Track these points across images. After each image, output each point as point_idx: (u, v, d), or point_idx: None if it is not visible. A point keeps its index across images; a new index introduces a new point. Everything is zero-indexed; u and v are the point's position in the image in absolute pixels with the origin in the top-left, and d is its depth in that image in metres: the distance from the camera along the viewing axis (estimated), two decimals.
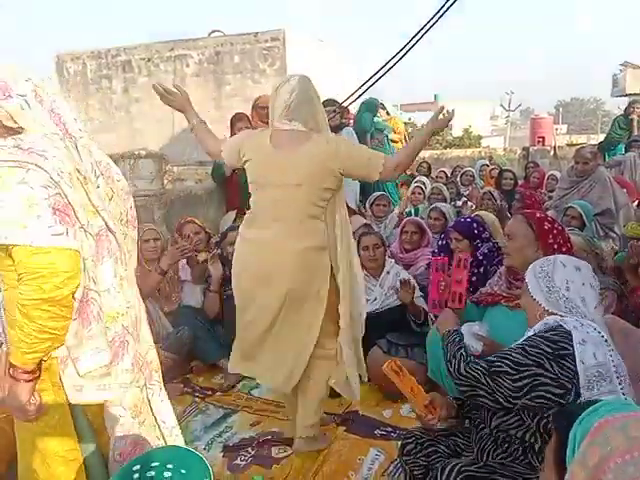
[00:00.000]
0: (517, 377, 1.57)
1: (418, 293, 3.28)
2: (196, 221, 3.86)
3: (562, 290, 1.69)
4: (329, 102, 5.22)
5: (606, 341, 1.61)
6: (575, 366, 1.54)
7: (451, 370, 1.73)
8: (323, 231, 2.26)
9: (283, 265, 2.21)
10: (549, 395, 1.55)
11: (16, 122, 1.38)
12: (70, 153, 1.43)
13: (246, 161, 2.30)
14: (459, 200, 5.80)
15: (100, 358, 1.46)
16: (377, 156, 2.31)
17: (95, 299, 1.45)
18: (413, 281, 3.27)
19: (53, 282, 1.29)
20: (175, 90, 2.46)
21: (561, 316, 1.66)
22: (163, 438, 1.65)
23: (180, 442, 1.74)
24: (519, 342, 1.67)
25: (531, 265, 1.82)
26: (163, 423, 1.66)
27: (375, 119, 6.62)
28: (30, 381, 1.39)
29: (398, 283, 3.16)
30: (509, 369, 1.59)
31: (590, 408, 1.05)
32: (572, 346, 1.56)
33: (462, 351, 1.75)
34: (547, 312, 1.72)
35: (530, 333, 1.70)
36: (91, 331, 1.43)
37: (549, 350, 1.57)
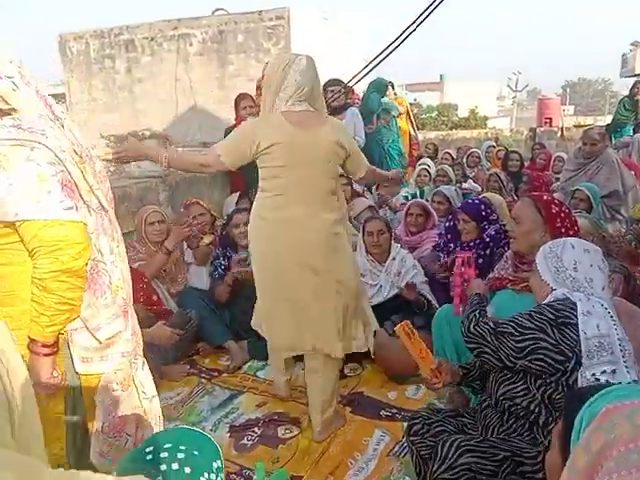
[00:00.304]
0: (520, 339, 1.66)
1: (422, 279, 3.28)
2: (201, 203, 3.85)
3: (570, 270, 1.74)
4: (334, 82, 5.18)
5: (612, 316, 1.64)
6: (578, 335, 1.60)
7: (463, 329, 1.83)
8: (341, 204, 2.47)
9: (319, 240, 2.33)
10: (549, 360, 1.63)
11: (8, 103, 1.38)
12: (63, 133, 1.46)
13: (268, 147, 2.24)
14: (465, 182, 5.76)
15: (117, 324, 1.53)
16: (363, 157, 2.54)
17: (105, 270, 1.51)
18: (416, 271, 3.28)
19: (69, 253, 1.34)
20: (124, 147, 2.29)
21: (569, 290, 1.71)
22: (143, 409, 1.68)
23: (158, 411, 1.77)
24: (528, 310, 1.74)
25: (542, 247, 1.86)
26: (144, 394, 1.69)
27: (383, 99, 6.56)
28: (50, 355, 1.42)
29: (398, 280, 3.20)
30: (513, 330, 1.68)
31: (601, 391, 1.05)
32: (576, 316, 1.62)
33: (476, 312, 1.85)
34: (554, 291, 1.75)
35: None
36: (106, 299, 1.50)
37: (552, 317, 1.64)
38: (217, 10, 9.12)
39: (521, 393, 1.72)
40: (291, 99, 2.24)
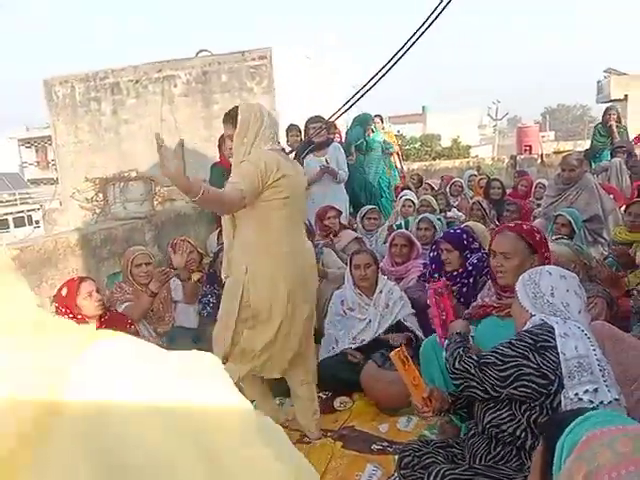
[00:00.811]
0: (503, 367, 1.69)
1: (409, 310, 3.30)
2: (189, 240, 3.88)
3: (547, 296, 1.79)
4: (316, 118, 5.29)
5: (589, 338, 1.68)
6: (558, 357, 1.63)
7: (448, 366, 1.86)
8: None
9: (315, 269, 2.67)
10: (533, 385, 1.66)
11: None
12: None
13: (277, 179, 2.31)
14: (449, 211, 5.85)
15: None
16: None
17: None
18: (403, 302, 3.33)
19: None
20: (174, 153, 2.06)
21: (546, 315, 1.76)
22: None
23: None
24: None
25: (521, 276, 1.92)
26: None
27: (379, 137, 6.80)
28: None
29: (391, 317, 3.27)
30: (496, 360, 1.72)
31: (579, 418, 1.05)
32: (554, 339, 1.66)
33: (460, 350, 1.87)
34: (532, 317, 1.80)
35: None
36: None
37: (532, 342, 1.68)
38: (201, 51, 9.30)
39: (507, 419, 1.74)
40: (271, 140, 2.39)
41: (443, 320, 2.25)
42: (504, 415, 1.75)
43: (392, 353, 1.94)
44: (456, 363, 1.82)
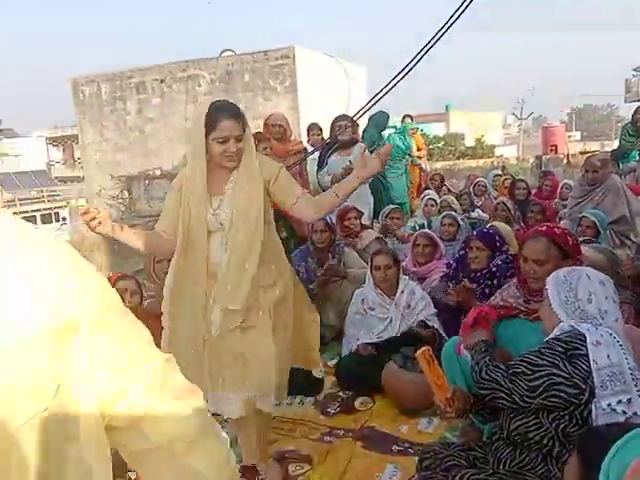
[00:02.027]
0: (533, 377, 1.64)
1: (432, 310, 3.28)
2: None
3: (583, 301, 1.72)
4: (342, 117, 5.28)
5: (621, 346, 1.63)
6: (589, 366, 1.58)
7: (474, 375, 1.81)
8: None
9: None
10: (563, 395, 1.61)
11: None
12: None
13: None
14: (473, 211, 5.80)
15: None
16: None
17: None
18: (425, 302, 3.30)
19: None
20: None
21: (577, 322, 1.70)
22: None
23: None
24: (536, 348, 1.73)
25: (553, 273, 1.85)
26: None
27: (399, 137, 6.75)
28: None
29: (413, 317, 3.24)
30: (525, 369, 1.67)
31: (622, 440, 1.01)
32: (585, 347, 1.61)
33: (486, 358, 1.83)
34: (561, 323, 1.75)
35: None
36: None
37: (562, 350, 1.64)
38: (224, 51, 9.39)
39: (533, 428, 1.70)
40: None
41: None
42: (531, 423, 1.71)
43: (418, 352, 1.91)
44: (483, 372, 1.77)
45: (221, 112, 2.04)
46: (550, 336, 1.75)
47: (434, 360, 1.91)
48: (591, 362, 1.59)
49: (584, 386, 1.59)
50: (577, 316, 1.71)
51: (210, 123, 2.02)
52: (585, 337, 1.63)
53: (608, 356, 1.59)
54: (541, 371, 1.64)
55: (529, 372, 1.65)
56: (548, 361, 1.64)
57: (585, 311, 1.71)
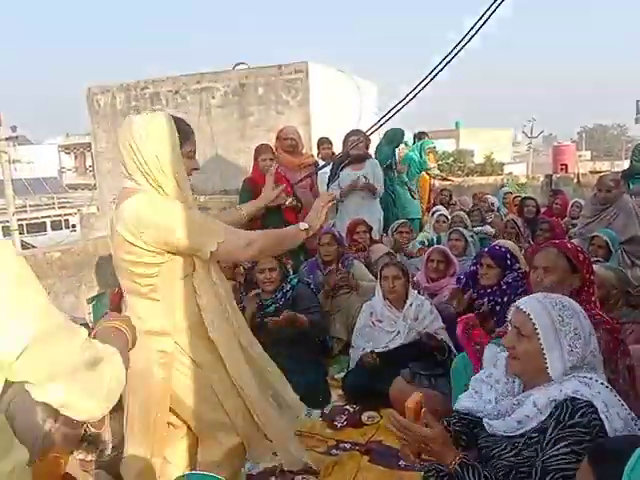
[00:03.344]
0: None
1: (440, 324, 3.28)
2: None
3: (584, 346, 1.55)
4: (355, 132, 5.33)
5: (611, 390, 1.53)
6: (606, 434, 1.45)
7: None
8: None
9: None
10: None
11: None
12: None
13: None
14: (481, 227, 5.81)
15: None
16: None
17: None
18: (433, 316, 3.31)
19: None
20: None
21: (560, 381, 1.54)
22: None
23: None
24: (555, 440, 1.48)
25: (539, 309, 1.60)
26: None
27: (413, 154, 6.77)
28: None
29: (420, 328, 3.22)
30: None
31: (637, 454, 1.01)
32: (600, 419, 1.46)
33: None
34: (546, 375, 1.57)
35: (532, 411, 1.55)
36: None
37: (589, 438, 1.45)
38: (238, 64, 9.50)
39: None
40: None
41: (477, 350, 2.17)
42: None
43: (408, 401, 1.68)
44: None
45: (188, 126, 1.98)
46: (543, 407, 1.53)
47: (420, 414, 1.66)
48: (610, 431, 1.44)
49: None
50: (571, 364, 1.54)
51: (182, 135, 1.88)
52: (594, 406, 1.47)
53: (618, 414, 1.48)
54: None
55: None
56: (582, 457, 1.38)
57: (583, 359, 1.55)
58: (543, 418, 1.53)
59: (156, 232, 1.76)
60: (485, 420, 1.69)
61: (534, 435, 1.54)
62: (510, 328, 1.67)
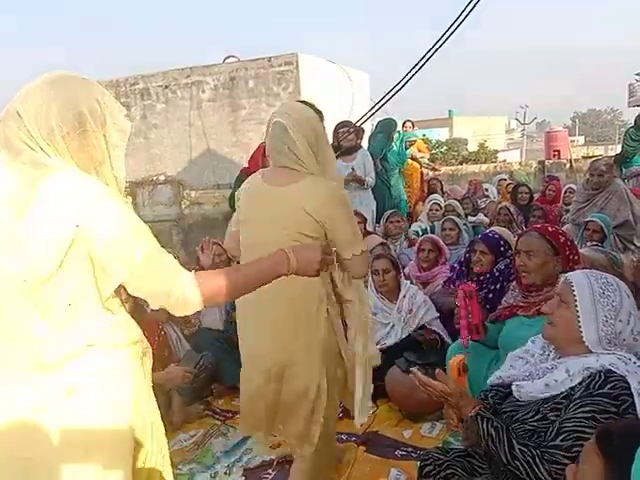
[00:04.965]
0: None
1: (434, 315, 3.28)
2: (220, 243, 3.92)
3: (624, 323, 1.54)
4: (345, 123, 5.31)
5: None
6: (636, 415, 1.43)
7: (524, 477, 1.47)
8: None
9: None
10: None
11: None
12: None
13: (239, 200, 2.17)
14: (475, 215, 5.80)
15: None
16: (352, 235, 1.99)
17: None
18: (427, 307, 3.31)
19: None
20: None
21: (598, 353, 1.54)
22: None
23: None
24: (579, 404, 1.48)
25: (583, 279, 1.61)
26: None
27: (402, 150, 6.74)
28: None
29: (415, 322, 3.23)
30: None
31: None
32: (631, 395, 1.44)
33: (518, 446, 1.50)
34: (583, 344, 1.57)
35: (562, 376, 1.55)
36: None
37: (615, 410, 1.43)
38: (228, 57, 9.42)
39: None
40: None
41: (469, 322, 2.25)
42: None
43: (452, 360, 1.80)
44: (540, 470, 1.44)
45: None
46: (575, 374, 1.52)
47: (466, 371, 1.80)
48: (639, 410, 1.41)
49: None
50: (605, 341, 1.53)
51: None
52: (628, 383, 1.45)
53: None
54: None
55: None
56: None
57: (619, 336, 1.53)
58: (573, 385, 1.53)
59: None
60: (514, 384, 1.69)
61: (561, 401, 1.54)
62: (555, 296, 1.71)
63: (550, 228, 2.40)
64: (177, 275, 1.32)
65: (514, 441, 1.50)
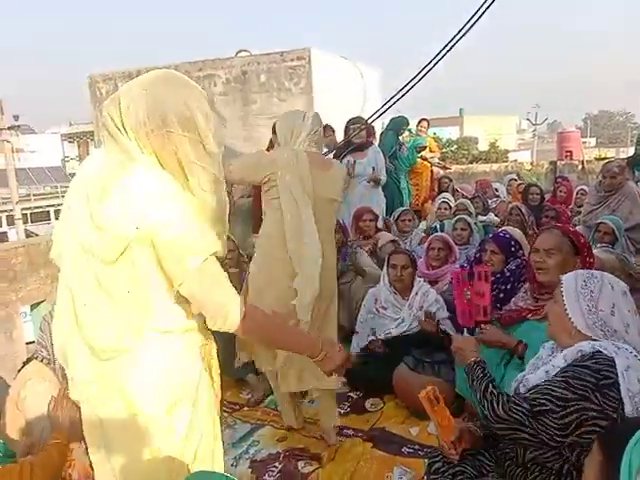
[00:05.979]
0: (563, 414, 1.47)
1: (445, 314, 3.27)
2: (233, 239, 3.93)
3: (605, 313, 1.59)
4: (356, 119, 5.30)
5: None
6: (619, 394, 1.46)
7: (487, 413, 1.59)
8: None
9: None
10: (596, 428, 1.45)
11: None
12: None
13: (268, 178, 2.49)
14: (486, 214, 5.78)
15: None
16: None
17: None
18: (439, 305, 3.29)
19: None
20: None
21: (593, 339, 1.58)
22: None
23: None
24: (559, 374, 1.56)
25: (571, 275, 1.70)
26: None
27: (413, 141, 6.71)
28: None
29: (421, 314, 3.20)
30: (554, 407, 1.48)
31: None
32: (616, 374, 1.47)
33: (492, 389, 1.64)
34: (579, 333, 1.62)
35: (560, 362, 1.60)
36: None
37: (593, 381, 1.47)
38: (240, 51, 9.41)
39: (552, 458, 1.59)
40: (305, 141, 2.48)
41: (471, 305, 2.37)
42: (549, 454, 1.59)
43: (421, 393, 1.76)
44: (499, 410, 1.56)
45: None
46: (567, 359, 1.58)
47: (439, 400, 1.78)
48: (623, 390, 1.45)
49: (615, 415, 1.45)
50: (598, 328, 1.58)
51: None
52: (614, 362, 1.49)
53: (638, 380, 1.48)
54: (571, 406, 1.46)
55: (558, 409, 1.47)
56: (579, 394, 1.47)
57: (608, 325, 1.58)
58: (565, 365, 1.59)
59: None
60: (521, 384, 1.72)
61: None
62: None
63: (572, 228, 2.40)
64: (233, 291, 1.40)
65: (490, 385, 1.65)
